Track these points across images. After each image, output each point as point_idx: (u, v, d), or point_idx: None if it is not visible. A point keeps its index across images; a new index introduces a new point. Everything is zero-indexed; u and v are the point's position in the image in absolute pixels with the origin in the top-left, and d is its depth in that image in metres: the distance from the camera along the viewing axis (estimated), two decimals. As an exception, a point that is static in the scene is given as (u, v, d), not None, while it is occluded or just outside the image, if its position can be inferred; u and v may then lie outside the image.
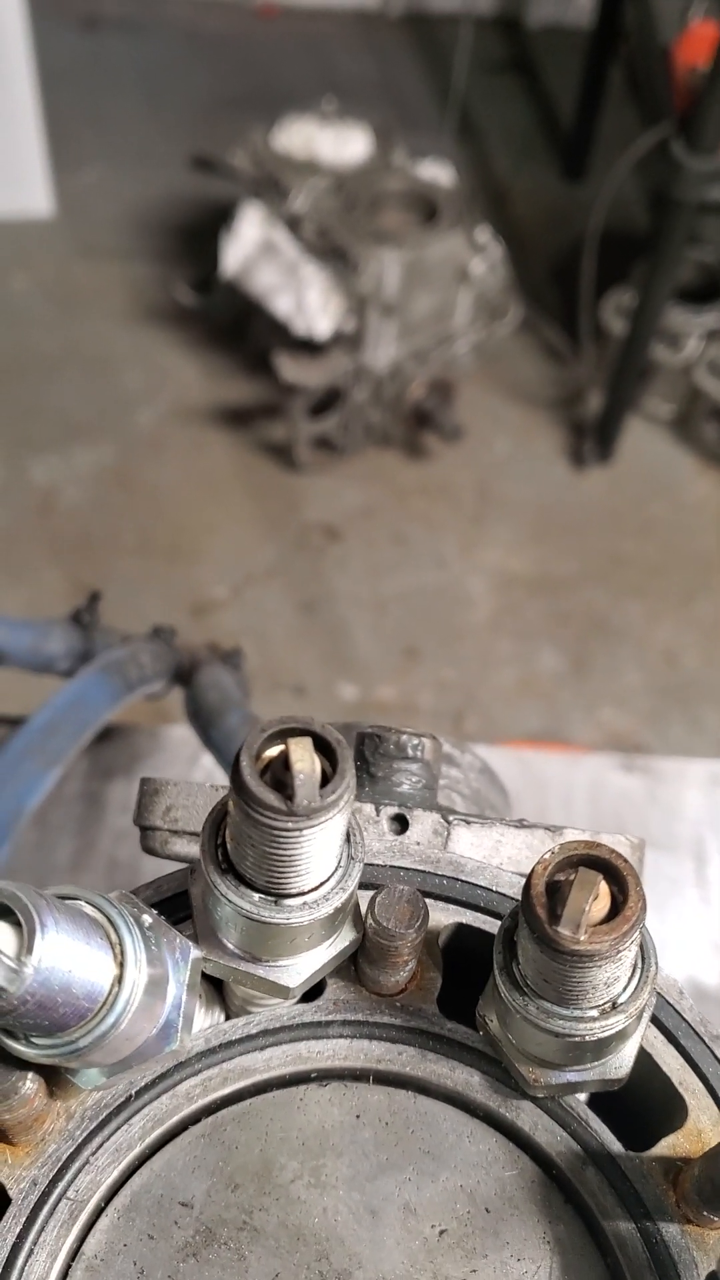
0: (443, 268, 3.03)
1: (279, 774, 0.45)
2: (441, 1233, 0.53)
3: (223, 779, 1.25)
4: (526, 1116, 0.56)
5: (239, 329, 3.43)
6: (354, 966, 0.56)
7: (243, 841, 0.47)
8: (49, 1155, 0.53)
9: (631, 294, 3.30)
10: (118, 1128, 0.54)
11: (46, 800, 1.17)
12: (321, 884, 0.49)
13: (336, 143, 3.13)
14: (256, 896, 0.49)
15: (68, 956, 0.45)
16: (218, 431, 3.37)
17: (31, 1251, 0.51)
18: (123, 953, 0.47)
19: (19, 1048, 0.47)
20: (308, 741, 0.45)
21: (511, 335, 3.39)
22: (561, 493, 3.38)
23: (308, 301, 2.97)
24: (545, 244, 3.87)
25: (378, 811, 0.61)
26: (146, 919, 0.50)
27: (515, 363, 3.59)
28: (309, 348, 3.08)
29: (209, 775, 1.38)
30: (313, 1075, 0.56)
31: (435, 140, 3.87)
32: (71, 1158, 0.53)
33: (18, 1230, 0.51)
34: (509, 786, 1.32)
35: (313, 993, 0.56)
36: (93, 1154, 0.53)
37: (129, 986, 0.47)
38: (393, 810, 0.61)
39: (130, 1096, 0.54)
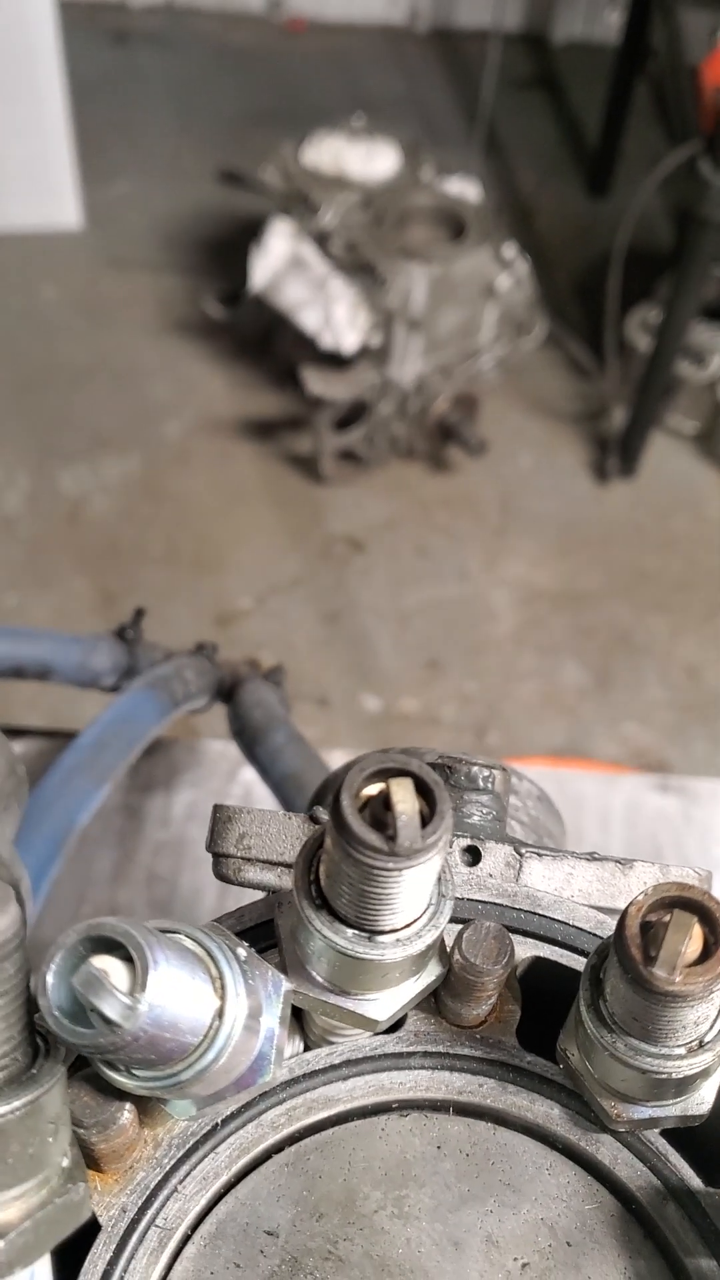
0: (469, 283, 3.05)
1: (377, 813, 0.45)
2: (524, 1266, 0.53)
3: (265, 796, 1.26)
4: (606, 1150, 0.56)
5: (265, 342, 3.45)
6: (435, 999, 0.57)
7: (339, 879, 0.47)
8: (138, 1183, 0.53)
9: (656, 310, 3.32)
10: (204, 1156, 0.54)
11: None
12: (415, 921, 0.50)
13: (365, 158, 3.15)
14: (350, 933, 0.49)
15: (176, 992, 0.45)
16: (243, 443, 3.39)
17: (122, 1278, 0.51)
18: (223, 986, 0.47)
19: (120, 1079, 0.48)
20: (409, 782, 0.46)
21: (536, 350, 3.41)
22: (585, 507, 3.39)
23: (335, 316, 2.99)
24: (569, 260, 3.89)
25: (450, 844, 0.61)
26: (241, 952, 0.50)
27: (539, 377, 3.60)
28: (336, 361, 3.10)
29: (248, 790, 1.39)
30: (394, 1105, 0.57)
31: (462, 156, 3.89)
32: (160, 1185, 0.53)
33: (108, 1257, 0.52)
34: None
35: (394, 1025, 0.57)
36: (180, 1182, 0.54)
37: (230, 1020, 0.47)
38: (465, 842, 0.61)
39: (216, 1125, 0.54)
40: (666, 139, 4.12)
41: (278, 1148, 0.56)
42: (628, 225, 3.16)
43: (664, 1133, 0.57)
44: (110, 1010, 0.42)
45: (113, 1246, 0.52)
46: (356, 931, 0.49)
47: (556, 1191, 0.55)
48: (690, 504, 3.40)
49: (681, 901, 0.48)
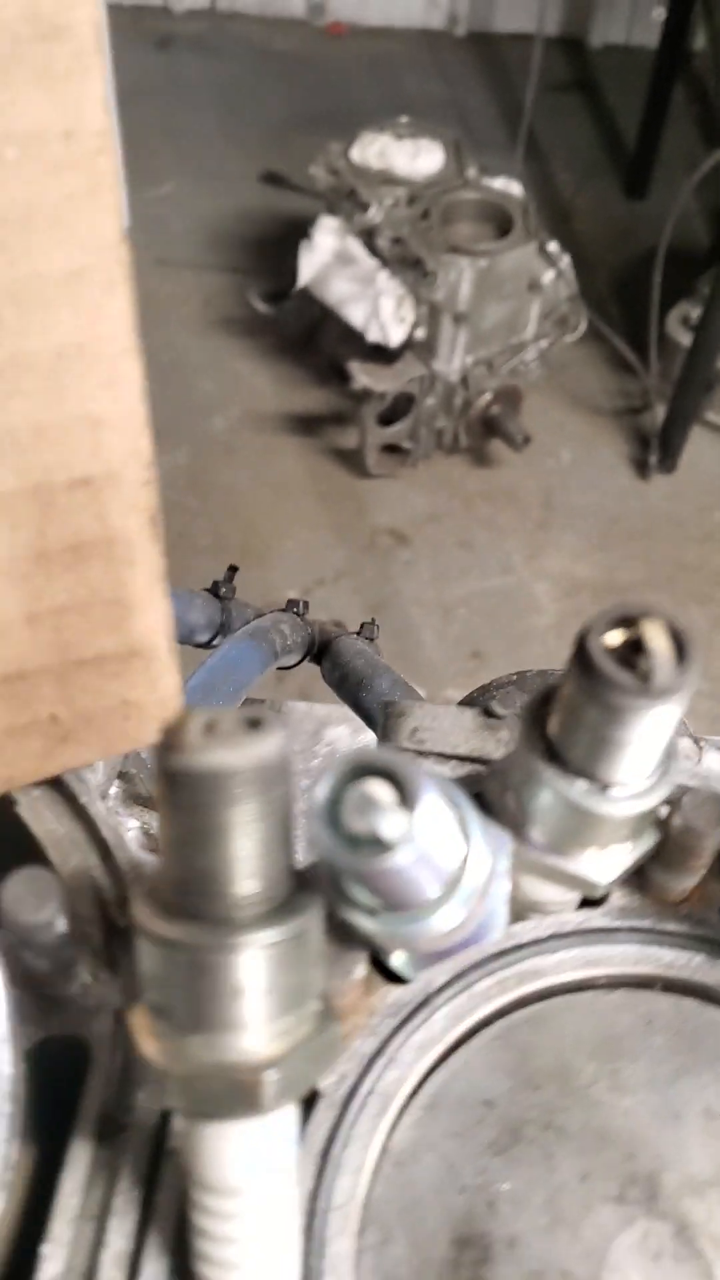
0: (515, 278, 3.08)
1: (625, 656, 0.44)
2: None
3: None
4: None
5: (310, 339, 3.50)
6: (641, 874, 0.57)
7: (577, 728, 0.46)
8: (355, 1050, 0.53)
9: (697, 307, 3.35)
10: (419, 1025, 0.54)
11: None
12: (644, 775, 0.49)
13: (411, 156, 3.20)
14: (583, 784, 0.48)
15: (438, 826, 0.44)
16: (289, 437, 3.44)
17: (346, 1143, 0.52)
18: (469, 834, 0.47)
19: (365, 922, 0.47)
20: (662, 623, 0.45)
21: (577, 346, 3.44)
22: (626, 500, 3.42)
23: (382, 310, 3.04)
24: (609, 260, 3.92)
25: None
26: (475, 809, 0.49)
27: (581, 373, 3.64)
28: (382, 355, 3.14)
29: (334, 750, 1.41)
30: (601, 981, 0.57)
31: (502, 158, 3.93)
32: (377, 1054, 0.53)
33: (330, 1124, 0.52)
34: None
35: (599, 899, 0.57)
36: (397, 1050, 0.54)
37: (475, 867, 0.47)
38: None
39: (429, 995, 0.55)
40: (704, 141, 4.15)
41: (488, 1021, 0.56)
42: (669, 223, 3.19)
43: None
44: (387, 828, 0.41)
45: (334, 1114, 0.52)
46: (590, 784, 0.48)
47: None
48: (731, 498, 3.43)
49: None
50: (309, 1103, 0.52)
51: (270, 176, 3.41)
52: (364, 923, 0.47)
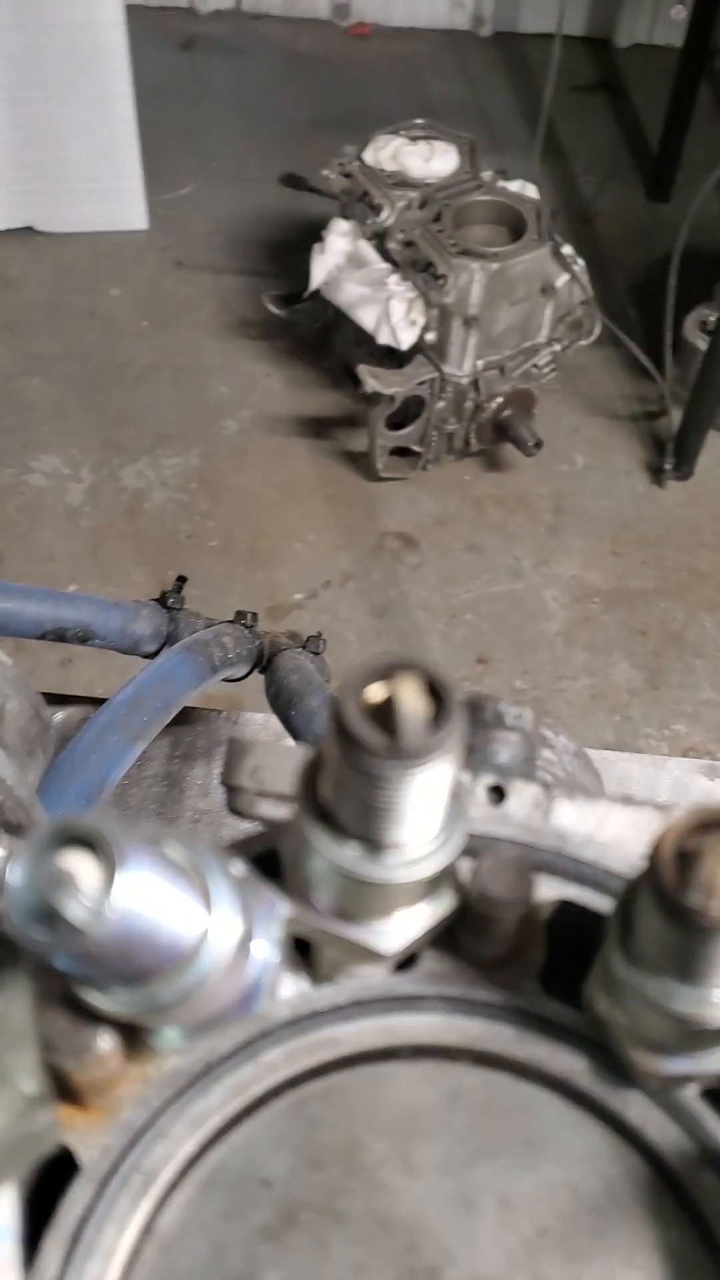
0: (527, 281, 3.06)
1: (384, 715, 0.41)
2: (542, 1231, 0.48)
3: None
4: (636, 1109, 0.51)
5: (323, 342, 3.50)
6: (452, 935, 0.52)
7: (342, 788, 0.43)
8: (125, 1123, 0.48)
9: (715, 311, 3.31)
10: (196, 1097, 0.49)
11: (127, 780, 1.19)
12: (423, 838, 0.45)
13: (425, 158, 3.18)
14: (355, 849, 0.44)
15: (151, 899, 0.40)
16: (300, 440, 3.44)
17: (100, 1225, 0.46)
18: (211, 901, 0.43)
19: (97, 1000, 0.44)
20: (416, 679, 0.41)
21: (592, 349, 3.41)
22: (639, 506, 3.39)
23: (392, 313, 3.03)
24: (627, 262, 3.88)
25: (474, 781, 0.56)
26: (236, 869, 0.46)
27: (596, 377, 3.60)
28: (392, 358, 3.14)
29: None
30: (404, 1051, 0.52)
31: (523, 159, 3.90)
32: (146, 1126, 0.48)
33: (86, 1201, 0.47)
34: (590, 785, 1.33)
35: (407, 962, 0.52)
36: (169, 1123, 0.48)
37: (217, 938, 0.43)
38: (490, 780, 0.56)
39: (211, 1065, 0.50)
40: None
41: (276, 1092, 0.51)
42: (686, 226, 3.16)
43: (703, 1092, 0.51)
44: (71, 911, 0.38)
45: (92, 1190, 0.47)
46: (361, 848, 0.44)
47: (580, 1152, 0.50)
48: (747, 506, 3.38)
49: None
50: (67, 1179, 0.47)
51: (289, 178, 3.41)
52: (95, 999, 0.44)
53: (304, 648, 1.22)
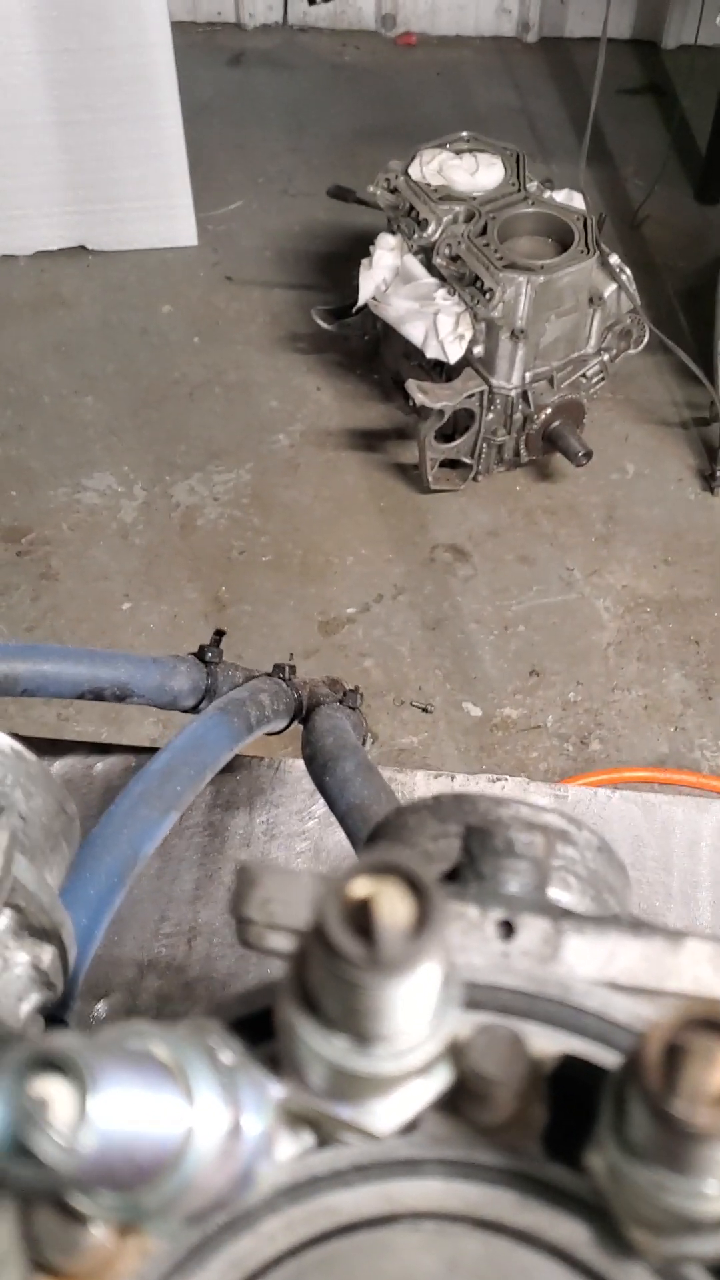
0: (575, 293, 3.06)
1: (365, 916, 0.40)
2: None
3: (336, 834, 1.20)
4: None
5: (372, 356, 3.52)
6: (453, 1097, 0.50)
7: (326, 984, 0.42)
8: None
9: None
10: (192, 1272, 0.47)
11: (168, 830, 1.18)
12: (412, 1031, 0.44)
13: (470, 172, 3.19)
14: (343, 1041, 0.43)
15: (130, 1114, 0.39)
16: (350, 453, 3.47)
17: None
18: (195, 1102, 0.42)
19: (85, 1205, 0.43)
20: (397, 885, 0.41)
21: (642, 356, 3.39)
22: (691, 514, 3.37)
23: (440, 327, 3.04)
24: (677, 267, 3.86)
25: (482, 915, 0.54)
26: (225, 1057, 0.44)
27: (645, 385, 3.58)
28: (441, 371, 3.15)
29: (327, 814, 1.36)
30: (404, 1218, 0.50)
31: (569, 165, 3.89)
32: None
33: None
34: (632, 832, 1.30)
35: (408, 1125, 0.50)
36: None
37: (200, 1140, 0.41)
38: (499, 915, 0.55)
39: (208, 1238, 0.48)
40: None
41: (273, 1264, 0.49)
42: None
43: (706, 1268, 0.48)
44: (44, 1151, 0.37)
45: None
46: (349, 1040, 0.43)
47: None
48: None
49: (710, 1023, 0.40)
50: None
51: (337, 190, 3.43)
52: (83, 1205, 0.43)
53: (342, 701, 1.23)
